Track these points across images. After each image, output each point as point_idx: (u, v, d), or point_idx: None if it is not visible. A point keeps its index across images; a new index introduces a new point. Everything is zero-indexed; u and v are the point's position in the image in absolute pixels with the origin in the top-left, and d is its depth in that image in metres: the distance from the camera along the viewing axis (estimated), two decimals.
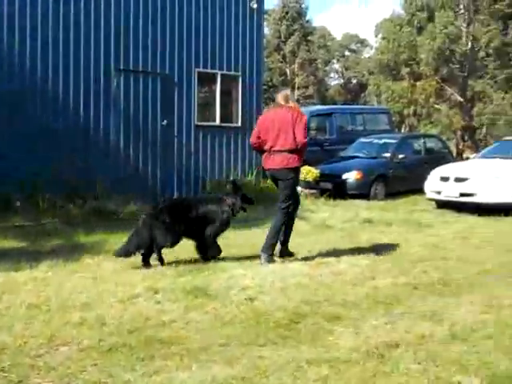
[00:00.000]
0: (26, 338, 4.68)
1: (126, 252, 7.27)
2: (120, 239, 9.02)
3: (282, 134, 7.47)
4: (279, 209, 7.65)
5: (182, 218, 7.38)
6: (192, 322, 5.18)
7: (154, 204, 7.86)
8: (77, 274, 6.85)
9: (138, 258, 7.66)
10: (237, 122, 15.43)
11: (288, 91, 8.06)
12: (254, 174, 15.37)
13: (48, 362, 4.24)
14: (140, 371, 4.08)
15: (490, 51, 38.25)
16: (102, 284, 6.39)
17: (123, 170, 13.47)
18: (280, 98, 7.68)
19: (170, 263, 7.37)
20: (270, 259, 7.44)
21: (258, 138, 7.71)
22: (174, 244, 7.44)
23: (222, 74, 15.14)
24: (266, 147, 7.61)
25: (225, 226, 7.65)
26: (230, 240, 8.81)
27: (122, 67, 13.55)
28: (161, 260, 7.37)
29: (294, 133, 7.45)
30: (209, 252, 7.56)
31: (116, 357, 4.35)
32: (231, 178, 14.51)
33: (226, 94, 15.47)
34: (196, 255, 7.62)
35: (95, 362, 4.25)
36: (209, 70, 14.95)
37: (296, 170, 7.70)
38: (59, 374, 4.04)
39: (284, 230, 7.70)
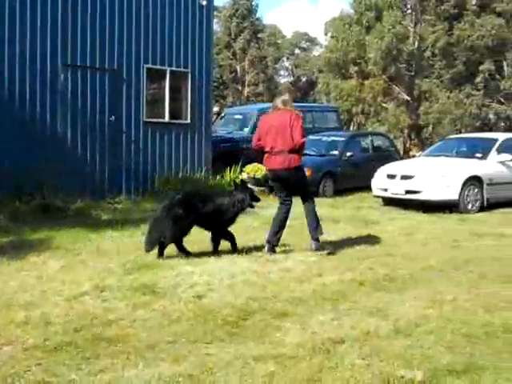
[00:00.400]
0: None
1: (151, 244, 7.57)
2: (67, 236, 8.96)
3: (281, 136, 7.94)
4: (285, 204, 8.47)
5: (195, 210, 7.70)
6: (139, 320, 5.16)
7: (170, 196, 8.29)
8: (22, 272, 6.75)
9: (88, 256, 7.59)
10: (186, 119, 15.37)
11: (287, 96, 8.73)
12: (204, 170, 15.34)
13: None
14: (85, 370, 4.06)
15: (436, 51, 38.96)
16: (47, 282, 6.31)
17: (71, 166, 13.25)
18: (279, 102, 8.25)
19: (117, 260, 7.32)
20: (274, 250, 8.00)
21: (259, 140, 8.26)
22: (184, 235, 7.75)
23: (171, 71, 15.04)
24: (267, 149, 8.10)
25: (234, 218, 8.10)
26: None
27: (69, 62, 13.34)
28: (182, 251, 7.75)
29: (291, 133, 7.91)
30: (230, 243, 8.04)
31: (61, 356, 4.31)
32: (181, 175, 14.48)
33: (176, 91, 15.38)
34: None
35: (40, 361, 4.21)
36: (158, 67, 14.84)
37: (299, 168, 8.24)
38: (2, 374, 3.99)
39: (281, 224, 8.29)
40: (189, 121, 15.33)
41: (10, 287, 6.06)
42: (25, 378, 3.94)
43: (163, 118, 15.01)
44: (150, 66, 14.63)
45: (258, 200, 8.60)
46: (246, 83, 57.64)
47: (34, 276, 6.57)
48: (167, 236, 7.55)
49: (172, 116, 15.14)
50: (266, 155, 8.19)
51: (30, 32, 12.87)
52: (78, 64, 13.48)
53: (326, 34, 49.97)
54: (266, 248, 7.97)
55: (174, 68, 15.08)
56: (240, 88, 57.93)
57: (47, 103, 13.12)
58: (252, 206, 8.42)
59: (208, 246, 8.00)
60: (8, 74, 12.62)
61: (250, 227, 10.13)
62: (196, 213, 7.67)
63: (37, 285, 6.18)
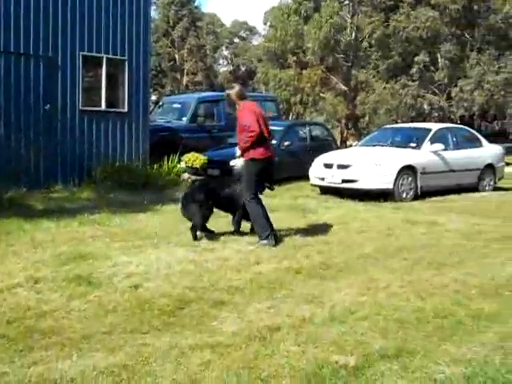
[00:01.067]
0: None
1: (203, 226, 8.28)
2: (0, 227, 8.74)
3: (265, 124, 8.20)
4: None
5: (214, 194, 8.46)
6: (74, 311, 5.11)
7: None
8: None
9: (22, 247, 7.45)
10: (123, 108, 15.18)
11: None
12: (141, 159, 15.20)
13: None
14: (18, 363, 4.00)
15: (373, 42, 39.54)
16: None
17: (5, 154, 12.95)
18: (243, 91, 8.45)
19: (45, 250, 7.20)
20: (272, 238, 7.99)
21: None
22: (207, 218, 8.32)
23: (107, 58, 14.81)
24: (265, 135, 8.18)
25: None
26: (114, 227, 8.75)
27: (1, 49, 12.98)
28: (206, 230, 8.36)
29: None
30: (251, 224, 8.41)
31: None
32: (118, 164, 14.32)
33: (112, 79, 15.17)
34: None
35: None
36: (94, 54, 14.59)
37: None
38: None
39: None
40: (126, 109, 15.15)
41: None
42: None
43: (100, 106, 14.78)
44: (85, 53, 14.37)
45: (271, 182, 8.76)
46: (185, 72, 57.33)
47: None
48: (195, 221, 8.16)
49: (109, 104, 14.93)
50: (260, 143, 8.08)
51: None
52: (12, 50, 13.14)
53: (265, 24, 50.25)
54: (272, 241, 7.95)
55: (110, 56, 14.85)
56: (179, 77, 57.58)
57: None
58: (271, 188, 8.77)
59: (143, 235, 7.95)
60: None
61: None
62: (215, 197, 8.41)
63: None
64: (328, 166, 13.99)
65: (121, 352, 4.22)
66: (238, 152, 8.34)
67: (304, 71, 41.57)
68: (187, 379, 3.80)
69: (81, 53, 14.26)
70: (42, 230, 8.73)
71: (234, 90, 8.30)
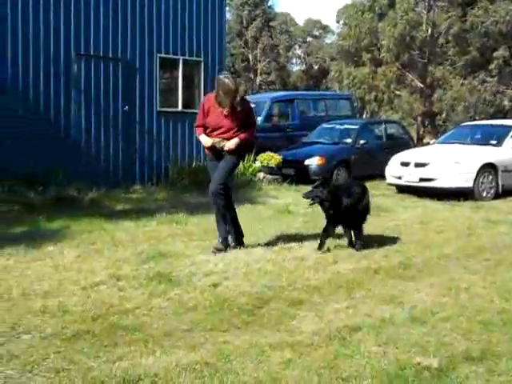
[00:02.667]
0: None
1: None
2: (82, 226, 9.00)
3: None
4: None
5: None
6: (155, 309, 5.19)
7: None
8: (38, 262, 6.78)
9: (103, 246, 7.63)
10: (199, 109, 15.32)
11: None
12: None
13: (10, 350, 4.22)
14: (103, 358, 4.09)
15: (450, 37, 38.65)
16: (63, 272, 6.34)
17: (85, 156, 13.34)
18: None
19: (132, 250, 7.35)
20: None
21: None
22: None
23: (183, 60, 15.04)
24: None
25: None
26: (191, 226, 8.85)
27: (82, 52, 13.37)
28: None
29: None
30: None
31: (79, 344, 4.34)
32: (194, 164, 14.51)
33: (188, 80, 15.39)
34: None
35: (58, 349, 4.24)
36: (171, 56, 14.84)
37: None
38: (22, 362, 4.03)
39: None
40: None
41: (27, 276, 6.10)
42: (44, 365, 3.98)
43: (176, 107, 15.02)
44: (162, 55, 14.63)
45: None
46: (258, 72, 57.56)
47: (50, 265, 6.60)
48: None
49: (185, 105, 15.15)
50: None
51: (43, 22, 12.90)
52: (92, 53, 13.51)
53: (338, 22, 49.78)
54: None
55: (186, 57, 15.08)
56: (252, 77, 57.84)
57: (61, 93, 13.17)
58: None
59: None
60: (22, 64, 12.66)
61: (261, 216, 10.12)
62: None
63: (53, 274, 6.21)
64: (405, 164, 13.79)
65: (202, 349, 4.26)
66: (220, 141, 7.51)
67: (379, 69, 41.03)
68: (268, 377, 3.80)
69: (158, 55, 14.52)
70: (121, 229, 8.93)
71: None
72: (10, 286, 5.74)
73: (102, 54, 13.67)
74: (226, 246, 7.46)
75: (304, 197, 7.81)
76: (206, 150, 7.83)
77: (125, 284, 5.86)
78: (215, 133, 7.47)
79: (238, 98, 7.32)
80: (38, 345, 4.33)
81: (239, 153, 7.67)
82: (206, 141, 7.51)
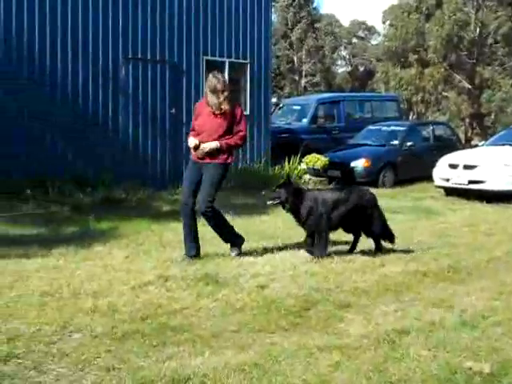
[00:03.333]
0: (39, 324, 4.72)
1: None
2: (130, 227, 9.12)
3: None
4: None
5: None
6: (203, 310, 5.21)
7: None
8: (88, 262, 6.88)
9: (151, 247, 7.71)
10: (245, 110, 15.34)
11: None
12: (263, 162, 15.37)
13: (62, 349, 4.28)
14: (153, 357, 4.12)
15: (499, 38, 38.03)
16: (112, 272, 6.42)
17: (132, 157, 13.52)
18: None
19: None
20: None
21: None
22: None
23: (230, 62, 15.13)
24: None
25: None
26: (238, 228, 8.86)
27: (130, 55, 13.55)
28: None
29: None
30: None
31: (129, 343, 4.39)
32: (240, 166, 14.57)
33: (235, 82, 15.45)
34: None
35: (108, 348, 4.29)
36: (217, 58, 14.94)
37: None
38: (73, 360, 4.09)
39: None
40: (248, 112, 15.37)
41: (77, 276, 6.20)
42: (95, 364, 4.03)
43: None
44: (209, 57, 14.73)
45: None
46: (303, 73, 57.41)
47: (99, 265, 6.69)
48: None
49: None
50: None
51: (92, 26, 13.11)
52: (139, 57, 13.68)
53: (384, 23, 49.45)
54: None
55: (232, 59, 15.16)
56: (297, 78, 57.72)
57: (109, 96, 13.38)
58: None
59: (267, 235, 8.02)
60: (71, 67, 12.90)
61: None
62: None
63: (103, 274, 6.29)
64: (453, 166, 13.60)
65: (250, 350, 4.27)
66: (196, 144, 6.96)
67: (426, 70, 40.60)
68: (317, 380, 3.79)
69: (204, 57, 14.62)
70: (169, 229, 9.01)
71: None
72: (61, 285, 5.83)
73: (149, 57, 13.83)
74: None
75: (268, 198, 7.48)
76: (191, 151, 7.16)
77: (173, 285, 5.90)
78: (199, 137, 6.96)
79: (225, 99, 6.81)
80: (88, 343, 4.39)
81: (224, 163, 7.02)
82: (190, 141, 7.01)
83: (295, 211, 7.15)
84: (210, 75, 6.99)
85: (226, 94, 6.84)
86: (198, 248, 7.08)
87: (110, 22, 13.33)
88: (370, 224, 7.40)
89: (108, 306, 5.20)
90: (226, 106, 6.85)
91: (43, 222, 9.70)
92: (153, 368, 3.92)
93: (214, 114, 6.88)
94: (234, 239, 7.28)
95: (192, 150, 7.05)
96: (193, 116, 7.32)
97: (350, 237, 7.69)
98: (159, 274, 6.23)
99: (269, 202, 7.48)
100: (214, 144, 6.87)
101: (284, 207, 7.25)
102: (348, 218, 7.27)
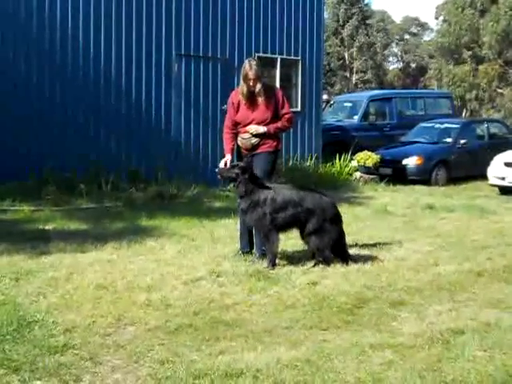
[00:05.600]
0: (94, 317, 4.80)
1: None
2: (182, 222, 9.19)
3: None
4: None
5: None
6: (255, 305, 5.23)
7: None
8: (140, 257, 6.97)
9: (203, 242, 7.76)
10: (296, 107, 15.39)
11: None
12: (313, 159, 15.32)
13: (117, 341, 4.36)
14: (206, 351, 4.16)
15: None
16: (165, 266, 6.48)
17: (184, 154, 13.63)
18: None
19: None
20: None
21: None
22: None
23: (281, 59, 15.12)
24: None
25: None
26: None
27: (182, 52, 13.66)
28: None
29: None
30: None
31: (182, 337, 4.43)
32: (291, 164, 14.56)
33: (286, 79, 15.44)
34: None
35: (162, 341, 4.35)
36: (269, 55, 14.94)
37: None
38: (128, 352, 4.15)
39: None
40: (299, 109, 15.35)
41: (130, 270, 6.28)
42: (149, 356, 4.08)
43: None
44: (260, 54, 14.74)
45: None
46: (354, 70, 56.99)
47: (152, 260, 6.77)
48: None
49: None
50: None
51: (146, 23, 13.27)
52: (192, 54, 13.78)
53: (437, 18, 48.79)
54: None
55: (284, 56, 15.14)
56: (348, 75, 57.33)
57: (162, 93, 13.52)
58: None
59: None
60: (125, 65, 13.07)
61: (359, 216, 10.03)
62: None
63: (156, 269, 6.36)
64: (509, 164, 13.33)
65: (302, 347, 4.26)
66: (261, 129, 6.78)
67: (480, 66, 39.89)
68: (370, 378, 3.76)
69: (256, 54, 14.63)
70: (220, 225, 9.06)
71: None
72: (115, 279, 5.92)
73: (201, 53, 13.92)
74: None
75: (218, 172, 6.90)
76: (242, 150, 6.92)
77: (225, 280, 5.94)
78: (244, 129, 6.81)
79: (260, 86, 6.63)
80: (142, 336, 4.46)
81: (275, 150, 6.92)
82: (222, 163, 6.77)
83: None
84: (246, 61, 6.79)
85: (259, 81, 6.62)
86: (252, 244, 7.06)
87: (164, 19, 13.46)
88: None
89: (161, 300, 5.26)
90: (264, 96, 6.67)
91: (97, 217, 9.85)
92: (206, 362, 3.95)
93: (254, 103, 6.71)
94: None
95: (240, 143, 6.86)
96: (229, 108, 6.96)
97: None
98: (211, 269, 6.28)
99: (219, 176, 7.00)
100: (262, 129, 6.73)
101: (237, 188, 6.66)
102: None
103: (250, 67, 6.60)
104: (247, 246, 7.04)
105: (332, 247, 6.64)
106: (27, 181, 11.47)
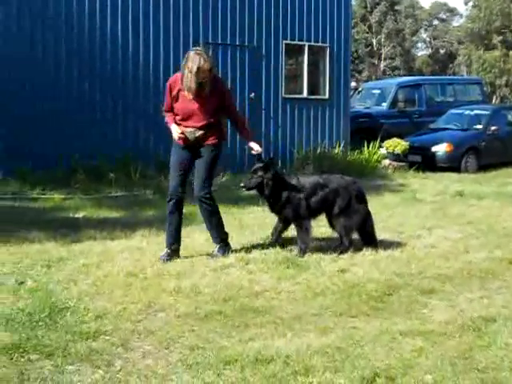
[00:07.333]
0: (125, 303, 4.85)
1: None
2: None
3: None
4: None
5: None
6: (284, 292, 5.24)
7: None
8: None
9: (232, 230, 7.75)
10: (324, 95, 15.33)
11: None
12: (341, 146, 15.24)
13: (147, 327, 4.39)
14: (236, 338, 4.18)
15: None
16: (194, 254, 6.51)
17: None
18: None
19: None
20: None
21: None
22: None
23: (309, 46, 15.03)
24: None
25: None
26: None
27: (210, 41, 13.65)
28: None
29: None
30: None
31: (212, 324, 4.46)
32: (319, 151, 14.52)
33: (314, 66, 15.36)
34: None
35: (192, 328, 4.37)
36: (296, 42, 14.87)
37: None
38: (158, 339, 4.18)
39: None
40: (327, 96, 15.28)
41: (158, 257, 6.31)
42: (179, 342, 4.11)
43: (301, 93, 15.05)
44: (288, 41, 14.68)
45: None
46: (382, 57, 56.52)
47: (181, 247, 6.78)
48: None
49: (310, 91, 15.14)
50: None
51: (173, 11, 13.27)
52: (219, 42, 13.76)
53: (466, 4, 48.10)
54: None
55: (312, 43, 15.06)
56: (376, 62, 56.88)
57: None
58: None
59: None
60: (153, 54, 13.11)
61: (388, 203, 9.98)
62: None
63: (185, 256, 6.39)
64: None
65: (332, 334, 4.26)
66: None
67: (511, 52, 39.26)
68: (400, 364, 3.74)
69: (284, 41, 14.58)
70: (249, 213, 9.09)
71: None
72: (145, 266, 5.96)
73: (229, 41, 13.89)
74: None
75: (244, 185, 6.81)
76: (175, 139, 6.38)
77: (254, 267, 5.95)
78: (186, 122, 6.30)
79: (208, 79, 6.09)
80: (172, 323, 4.49)
81: (219, 143, 6.49)
82: (174, 133, 6.28)
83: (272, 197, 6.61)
84: (192, 53, 6.10)
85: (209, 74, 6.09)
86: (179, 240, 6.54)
87: (191, 7, 13.45)
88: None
89: (191, 287, 5.28)
90: (210, 88, 6.15)
91: (126, 205, 9.93)
92: (236, 348, 3.97)
93: (198, 95, 6.15)
94: (223, 235, 6.57)
95: (173, 135, 6.34)
96: (166, 93, 6.34)
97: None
98: (240, 256, 6.29)
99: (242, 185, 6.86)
100: (255, 143, 6.60)
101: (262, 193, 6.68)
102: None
103: (203, 60, 5.99)
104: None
105: (360, 229, 6.72)
106: (56, 169, 11.59)
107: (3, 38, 11.97)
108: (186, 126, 6.28)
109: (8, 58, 11.92)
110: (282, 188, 6.58)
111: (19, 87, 12.06)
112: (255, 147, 6.65)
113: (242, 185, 6.90)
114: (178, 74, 6.27)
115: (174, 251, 6.39)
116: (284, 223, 6.84)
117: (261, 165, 6.72)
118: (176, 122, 6.33)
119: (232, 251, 6.51)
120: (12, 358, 3.77)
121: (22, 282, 5.38)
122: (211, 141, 6.38)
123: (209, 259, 6.24)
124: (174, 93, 6.24)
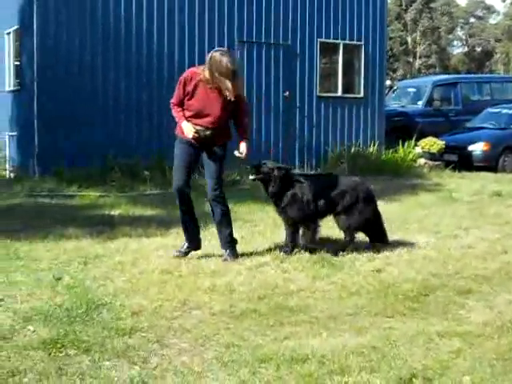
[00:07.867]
0: (160, 301, 4.87)
1: None
2: (243, 208, 9.23)
3: None
4: None
5: None
6: (319, 292, 5.21)
7: None
8: (204, 242, 7.00)
9: (266, 228, 7.77)
10: (359, 93, 15.24)
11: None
12: (376, 145, 15.15)
13: (182, 324, 4.41)
14: (271, 336, 4.17)
15: None
16: None
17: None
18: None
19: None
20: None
21: None
22: None
23: (344, 44, 14.96)
24: None
25: None
26: None
27: (245, 39, 13.67)
28: None
29: None
30: None
31: (247, 322, 4.45)
32: (353, 150, 14.45)
33: (348, 64, 15.28)
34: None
35: (227, 326, 4.38)
36: (331, 40, 14.81)
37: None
38: (194, 336, 4.19)
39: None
40: (362, 95, 15.19)
41: (194, 256, 6.34)
42: (214, 340, 4.11)
43: (336, 92, 14.99)
44: (323, 39, 14.64)
45: None
46: (418, 55, 56.04)
47: (214, 245, 6.78)
48: None
49: (345, 90, 15.08)
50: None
51: (208, 10, 13.32)
52: (254, 40, 13.77)
53: (504, 1, 47.45)
54: None
55: (347, 41, 14.99)
56: (411, 60, 56.42)
57: None
58: None
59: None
60: (188, 53, 13.16)
61: (423, 203, 9.88)
62: None
63: (219, 254, 6.39)
64: None
65: (368, 334, 4.23)
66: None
67: None
68: (438, 365, 3.70)
69: (318, 39, 14.54)
70: None
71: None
72: (180, 264, 6.00)
73: (263, 40, 13.89)
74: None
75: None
76: (181, 135, 6.22)
77: (288, 266, 5.94)
78: (198, 120, 6.10)
79: (236, 80, 5.93)
80: (207, 320, 4.50)
81: (226, 142, 6.38)
82: (188, 130, 6.03)
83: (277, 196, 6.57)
84: (218, 54, 5.91)
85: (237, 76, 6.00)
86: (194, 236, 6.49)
87: (226, 5, 13.48)
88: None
89: (225, 285, 5.29)
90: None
91: (160, 203, 9.97)
92: (271, 346, 3.96)
93: (212, 91, 6.00)
94: (233, 237, 6.44)
95: (186, 132, 6.10)
96: (178, 86, 6.10)
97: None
98: (275, 255, 6.29)
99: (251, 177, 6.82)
100: (246, 146, 6.34)
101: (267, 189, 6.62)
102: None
103: (229, 61, 5.84)
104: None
105: (368, 229, 6.70)
106: (92, 168, 11.72)
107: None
108: (197, 124, 6.07)
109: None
110: (288, 187, 6.53)
111: (56, 88, 12.21)
112: (241, 148, 6.35)
113: (251, 177, 6.87)
114: (195, 70, 6.11)
115: (189, 248, 6.37)
116: (292, 226, 6.62)
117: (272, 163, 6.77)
118: (188, 120, 6.13)
119: (267, 250, 6.50)
120: (50, 354, 3.81)
121: (59, 278, 5.44)
122: (220, 141, 6.27)
123: (244, 259, 6.24)
124: (189, 88, 6.01)
